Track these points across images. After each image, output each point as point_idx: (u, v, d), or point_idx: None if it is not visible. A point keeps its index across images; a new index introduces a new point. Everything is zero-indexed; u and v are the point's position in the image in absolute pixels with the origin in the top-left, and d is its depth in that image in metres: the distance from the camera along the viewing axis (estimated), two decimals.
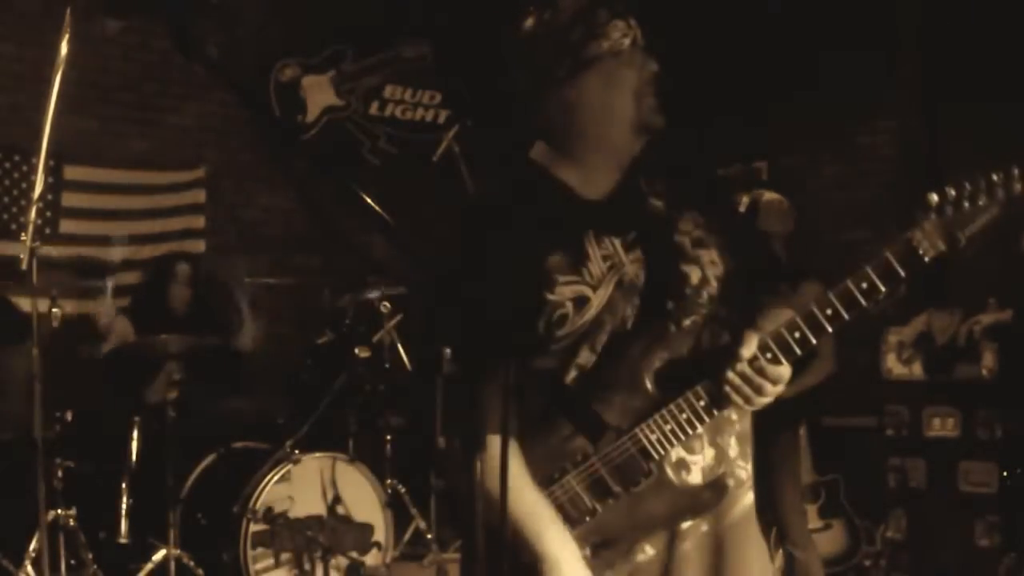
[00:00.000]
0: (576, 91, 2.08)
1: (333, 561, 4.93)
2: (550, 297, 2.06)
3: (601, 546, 2.07)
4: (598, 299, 2.07)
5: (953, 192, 1.98)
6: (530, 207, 2.11)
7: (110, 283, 6.18)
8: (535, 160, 2.18)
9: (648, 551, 2.10)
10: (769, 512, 4.65)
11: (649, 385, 2.07)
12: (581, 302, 2.06)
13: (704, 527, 2.13)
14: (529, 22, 2.10)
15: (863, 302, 2.00)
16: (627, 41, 2.08)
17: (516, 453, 1.63)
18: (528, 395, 1.58)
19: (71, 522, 4.70)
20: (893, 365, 5.95)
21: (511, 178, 2.20)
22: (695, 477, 2.09)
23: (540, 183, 2.15)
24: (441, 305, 2.04)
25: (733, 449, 2.14)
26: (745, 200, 4.87)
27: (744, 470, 2.17)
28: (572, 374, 2.08)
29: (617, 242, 2.10)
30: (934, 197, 1.98)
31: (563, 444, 2.06)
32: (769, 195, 4.85)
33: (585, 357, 2.07)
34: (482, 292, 2.02)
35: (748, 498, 2.18)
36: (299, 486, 4.99)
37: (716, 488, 2.09)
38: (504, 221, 2.09)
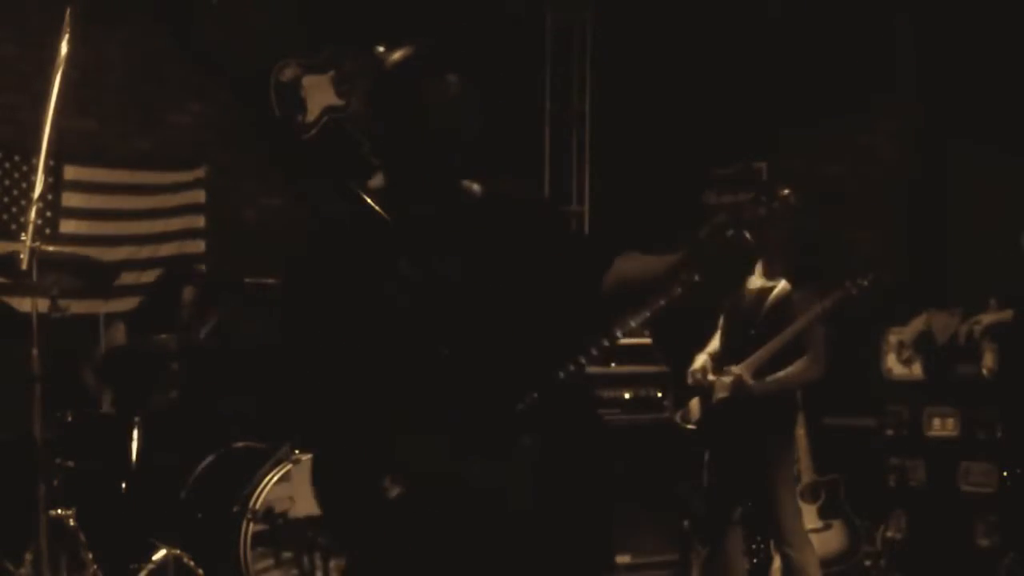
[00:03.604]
0: None
1: (333, 561, 4.93)
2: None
3: None
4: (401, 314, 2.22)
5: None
6: (351, 236, 2.27)
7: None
8: (371, 189, 2.33)
9: None
10: (766, 514, 4.65)
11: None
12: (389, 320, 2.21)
13: None
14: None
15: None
16: None
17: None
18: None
19: (71, 522, 4.70)
20: (893, 365, 5.95)
21: (342, 210, 2.36)
22: None
23: (363, 213, 2.29)
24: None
25: None
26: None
27: None
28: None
29: (424, 259, 2.24)
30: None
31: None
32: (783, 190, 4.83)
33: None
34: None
35: None
36: (299, 486, 4.98)
37: None
38: (330, 251, 2.27)
